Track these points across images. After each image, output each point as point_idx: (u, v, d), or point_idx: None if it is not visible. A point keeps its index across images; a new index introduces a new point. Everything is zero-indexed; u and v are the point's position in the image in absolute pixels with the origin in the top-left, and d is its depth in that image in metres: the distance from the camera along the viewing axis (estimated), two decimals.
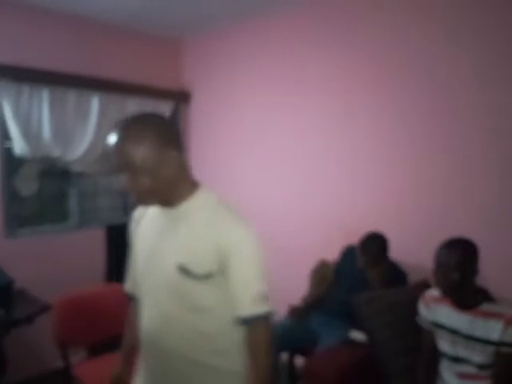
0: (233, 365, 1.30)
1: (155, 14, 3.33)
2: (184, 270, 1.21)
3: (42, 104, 3.08)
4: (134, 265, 1.43)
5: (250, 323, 1.25)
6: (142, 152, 1.15)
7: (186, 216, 1.25)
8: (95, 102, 3.35)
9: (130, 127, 1.19)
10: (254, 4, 3.11)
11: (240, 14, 3.31)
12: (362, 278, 2.46)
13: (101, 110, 3.37)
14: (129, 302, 1.53)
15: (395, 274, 2.46)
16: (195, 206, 1.26)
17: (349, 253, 2.65)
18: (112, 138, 1.21)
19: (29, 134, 3.00)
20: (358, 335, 2.35)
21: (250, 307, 1.24)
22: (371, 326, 2.16)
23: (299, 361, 2.68)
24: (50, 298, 2.61)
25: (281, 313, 2.74)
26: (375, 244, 2.43)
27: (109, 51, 3.48)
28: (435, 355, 1.91)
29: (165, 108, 3.78)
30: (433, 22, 2.52)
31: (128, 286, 1.51)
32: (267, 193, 3.43)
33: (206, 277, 1.21)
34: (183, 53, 4.00)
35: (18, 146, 2.96)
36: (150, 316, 1.32)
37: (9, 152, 3.00)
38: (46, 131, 3.10)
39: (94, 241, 3.38)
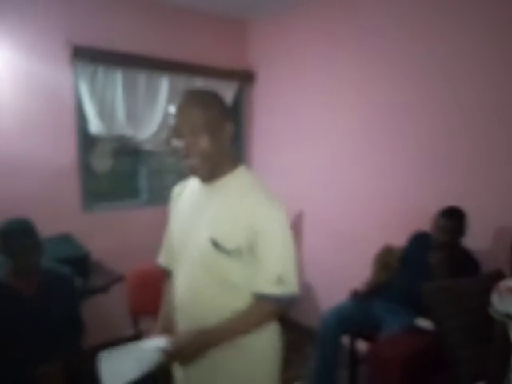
0: (259, 341, 1.34)
1: None
2: (215, 244, 1.26)
3: (116, 85, 3.22)
4: (171, 238, 1.47)
5: (262, 300, 1.28)
6: (208, 113, 1.23)
7: (222, 191, 1.31)
8: (165, 83, 3.45)
9: (198, 93, 1.29)
10: None
11: None
12: (430, 265, 2.36)
13: (170, 90, 3.47)
14: (164, 275, 1.56)
15: (467, 262, 2.35)
16: (232, 182, 1.31)
17: (417, 238, 2.56)
18: (174, 108, 1.26)
19: (103, 113, 3.16)
20: (423, 323, 2.28)
21: (266, 286, 1.26)
22: (440, 314, 2.08)
23: (361, 345, 2.65)
24: (122, 268, 2.78)
25: (341, 296, 2.73)
26: (451, 220, 2.32)
27: (177, 33, 3.55)
28: (508, 347, 1.81)
29: (230, 88, 3.82)
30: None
31: (162, 259, 1.55)
32: (328, 176, 3.38)
33: (236, 252, 1.25)
34: (248, 33, 3.99)
35: (94, 125, 3.12)
36: (182, 288, 1.37)
37: (84, 131, 3.18)
38: (119, 111, 3.24)
39: (162, 216, 3.51)
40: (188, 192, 1.43)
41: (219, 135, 1.26)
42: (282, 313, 1.34)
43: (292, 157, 3.67)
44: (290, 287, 1.28)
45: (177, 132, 1.25)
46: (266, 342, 1.37)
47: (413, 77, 2.80)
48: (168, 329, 1.45)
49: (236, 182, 1.31)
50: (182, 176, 1.50)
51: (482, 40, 2.46)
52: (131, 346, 1.31)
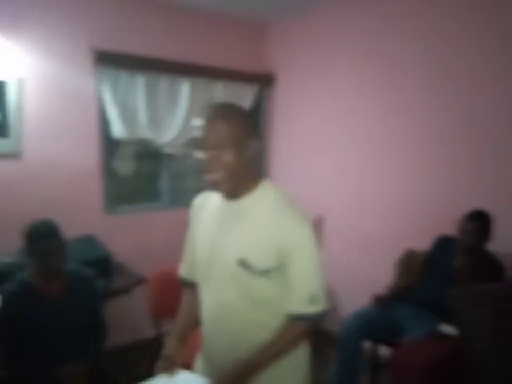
0: (293, 358, 1.35)
1: (242, 1, 3.34)
2: (244, 265, 1.25)
3: (138, 88, 3.26)
4: (194, 251, 1.45)
5: (296, 320, 1.30)
6: (233, 128, 1.22)
7: (248, 210, 1.29)
8: (186, 87, 3.47)
9: (224, 108, 1.28)
10: None
11: None
12: (455, 270, 2.31)
13: (190, 94, 3.49)
14: (183, 286, 1.56)
15: (492, 267, 2.29)
16: (258, 200, 1.29)
17: (441, 242, 2.51)
18: (200, 120, 1.26)
19: (125, 117, 3.20)
20: (448, 328, 2.23)
21: (300, 306, 1.28)
22: (466, 320, 2.03)
23: (383, 350, 2.61)
24: (144, 270, 2.80)
25: (363, 301, 2.69)
26: (477, 223, 2.27)
27: (197, 36, 3.57)
28: None
29: (249, 91, 3.83)
30: None
31: (184, 271, 1.55)
32: (350, 179, 3.35)
33: (265, 272, 1.25)
34: (268, 36, 3.98)
35: (116, 128, 3.17)
36: (210, 303, 1.37)
37: (107, 134, 3.22)
38: (141, 115, 3.28)
39: (183, 219, 3.54)
40: (212, 206, 1.40)
41: (244, 151, 1.24)
42: (314, 329, 1.35)
43: (312, 160, 3.65)
44: (322, 304, 1.30)
45: (201, 145, 1.24)
46: (298, 358, 1.39)
47: (440, 78, 2.75)
48: (183, 340, 1.45)
49: (262, 199, 1.30)
50: (201, 179, 1.48)
51: (484, 38, 2.44)
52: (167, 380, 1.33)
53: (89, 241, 2.91)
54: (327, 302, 1.32)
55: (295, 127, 3.80)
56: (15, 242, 2.03)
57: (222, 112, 1.25)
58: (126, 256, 3.09)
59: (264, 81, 3.91)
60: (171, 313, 2.63)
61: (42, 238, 1.84)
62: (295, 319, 1.29)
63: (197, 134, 1.26)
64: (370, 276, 3.15)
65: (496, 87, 2.47)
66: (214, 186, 1.28)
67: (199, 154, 1.25)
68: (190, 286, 1.51)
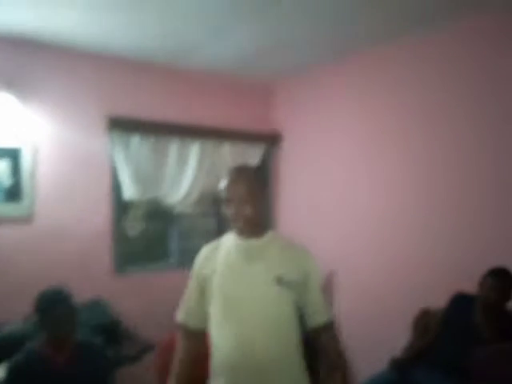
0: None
1: (248, 64, 3.51)
2: (280, 281, 1.50)
3: (149, 151, 3.35)
4: (198, 299, 1.61)
5: (330, 325, 1.60)
6: (251, 186, 1.53)
7: (269, 245, 1.57)
8: (195, 149, 3.56)
9: (243, 170, 1.60)
10: (342, 47, 3.16)
11: (329, 58, 3.37)
12: (475, 330, 2.24)
13: (199, 154, 3.57)
14: (183, 334, 1.66)
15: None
16: (271, 239, 1.60)
17: (458, 300, 2.44)
18: (223, 181, 1.56)
19: (137, 179, 3.26)
20: None
21: (327, 314, 1.61)
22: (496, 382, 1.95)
23: None
24: (153, 332, 2.74)
25: (379, 364, 2.59)
26: (500, 280, 2.21)
27: (205, 99, 3.70)
28: None
29: (256, 150, 3.91)
30: None
31: (188, 318, 1.65)
32: (361, 235, 3.32)
33: (295, 284, 1.52)
34: (274, 97, 4.12)
35: (128, 191, 3.22)
36: (236, 344, 1.50)
37: (119, 196, 3.27)
38: (152, 176, 3.34)
39: None
40: (227, 247, 1.60)
41: (259, 203, 1.55)
42: None
43: (320, 216, 3.65)
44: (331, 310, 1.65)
45: (227, 202, 1.53)
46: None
47: (443, 134, 2.81)
48: None
49: (275, 239, 1.60)
50: (210, 238, 1.71)
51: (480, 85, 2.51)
52: None
53: (98, 304, 2.88)
54: None
55: (301, 184, 3.84)
56: (24, 306, 2.01)
57: (241, 174, 1.56)
58: (134, 319, 3.04)
59: (270, 140, 4.00)
60: None
61: (54, 305, 1.82)
62: (327, 325, 1.59)
63: (222, 192, 1.54)
64: (385, 336, 3.05)
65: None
66: (239, 232, 1.56)
67: (227, 209, 1.54)
68: (192, 332, 1.64)
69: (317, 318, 1.58)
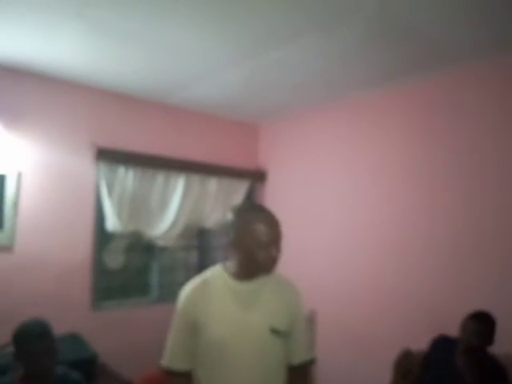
0: None
1: (235, 103, 3.61)
2: (275, 331, 1.50)
3: (134, 183, 3.34)
4: (200, 340, 1.50)
5: (307, 365, 1.63)
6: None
7: (263, 288, 1.55)
8: (180, 182, 3.58)
9: (268, 209, 1.61)
10: (327, 92, 3.29)
11: (313, 100, 3.51)
12: (457, 373, 2.25)
13: (185, 189, 3.58)
14: (177, 379, 1.54)
15: (494, 369, 2.23)
16: (264, 280, 1.56)
17: (439, 343, 2.45)
18: (257, 222, 1.49)
19: (121, 211, 3.24)
20: None
21: (307, 354, 1.63)
22: None
23: None
24: (130, 371, 2.65)
25: None
26: (482, 324, 2.21)
27: (193, 135, 3.76)
28: None
29: (242, 186, 3.95)
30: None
31: (181, 363, 1.53)
32: (343, 274, 3.35)
33: (287, 333, 1.53)
34: (259, 135, 4.23)
35: (111, 222, 3.18)
36: (235, 377, 1.47)
37: (101, 228, 3.23)
38: (136, 208, 3.32)
39: (171, 316, 3.43)
40: (217, 298, 1.51)
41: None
42: None
43: (302, 254, 3.67)
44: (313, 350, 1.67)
45: (267, 245, 1.48)
46: None
47: (429, 174, 2.91)
48: None
49: (267, 279, 1.56)
50: (191, 272, 1.63)
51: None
52: None
53: (74, 339, 2.78)
54: None
55: (285, 221, 3.83)
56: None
57: (274, 216, 1.58)
58: (111, 355, 2.93)
59: (256, 177, 4.06)
60: None
61: (34, 338, 1.75)
62: (304, 366, 1.61)
63: (258, 235, 1.47)
64: (366, 378, 3.03)
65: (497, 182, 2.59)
66: (272, 270, 1.55)
67: (275, 251, 1.50)
68: (184, 376, 1.54)
69: (295, 358, 1.59)
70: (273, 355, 1.52)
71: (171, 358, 1.55)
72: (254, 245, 1.46)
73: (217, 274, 1.58)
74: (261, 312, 1.51)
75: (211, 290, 1.53)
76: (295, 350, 1.59)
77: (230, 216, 1.55)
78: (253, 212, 1.55)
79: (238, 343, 1.48)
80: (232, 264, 1.55)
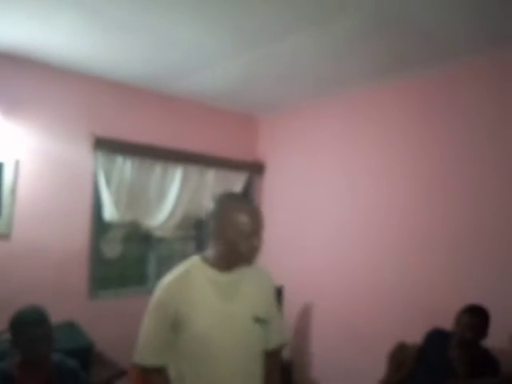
0: None
1: (234, 95, 3.60)
2: (258, 320, 1.55)
3: (132, 173, 3.34)
4: (181, 332, 1.47)
5: (281, 348, 1.72)
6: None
7: (244, 278, 1.57)
8: (178, 173, 3.57)
9: (252, 200, 1.61)
10: (326, 85, 3.28)
11: (313, 93, 3.49)
12: (450, 366, 2.27)
13: (182, 179, 3.58)
14: (153, 374, 1.52)
15: (487, 362, 2.26)
16: (243, 271, 1.57)
17: (434, 336, 2.47)
18: (238, 213, 1.48)
19: (118, 200, 3.24)
20: None
21: (283, 337, 1.72)
22: None
23: None
24: (126, 359, 2.65)
25: None
26: (476, 318, 2.24)
27: (192, 126, 3.75)
28: None
29: (240, 178, 3.95)
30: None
31: (154, 358, 1.50)
32: (340, 268, 3.36)
33: (265, 320, 1.58)
34: (259, 128, 4.22)
35: (108, 212, 3.18)
36: (222, 369, 1.48)
37: (98, 217, 3.23)
38: (134, 198, 3.32)
39: None
40: (199, 289, 1.49)
41: None
42: None
43: (301, 246, 3.68)
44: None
45: (250, 236, 1.48)
46: None
47: (428, 168, 2.91)
48: None
49: (246, 270, 1.58)
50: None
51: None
52: None
53: (70, 328, 2.78)
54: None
55: (283, 212, 3.88)
56: None
57: (256, 207, 1.60)
58: (108, 344, 2.95)
59: (254, 169, 4.06)
60: None
61: (31, 325, 1.76)
62: (279, 349, 1.70)
63: (240, 225, 1.46)
64: (360, 369, 3.05)
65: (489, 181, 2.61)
66: (254, 259, 1.56)
67: (256, 240, 1.50)
68: (160, 371, 1.51)
69: (271, 341, 1.65)
70: (256, 344, 1.56)
71: (144, 353, 1.52)
72: (236, 235, 1.46)
73: (196, 264, 1.54)
74: (242, 302, 1.54)
75: (191, 281, 1.50)
76: (271, 335, 1.64)
77: (211, 206, 1.55)
78: (235, 202, 1.52)
79: (222, 334, 1.48)
80: (212, 254, 1.53)
